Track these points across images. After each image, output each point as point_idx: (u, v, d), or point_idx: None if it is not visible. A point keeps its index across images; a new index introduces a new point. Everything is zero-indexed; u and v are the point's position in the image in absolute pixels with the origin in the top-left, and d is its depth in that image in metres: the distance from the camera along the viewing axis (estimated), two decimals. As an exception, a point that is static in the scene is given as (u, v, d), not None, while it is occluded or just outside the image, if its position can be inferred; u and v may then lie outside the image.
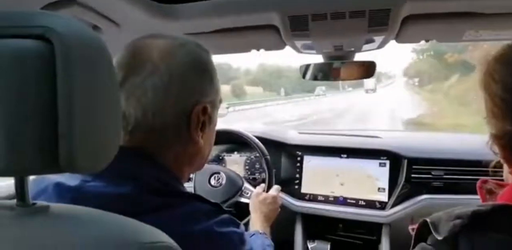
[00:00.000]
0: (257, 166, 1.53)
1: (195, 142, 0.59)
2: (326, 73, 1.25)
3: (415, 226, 0.52)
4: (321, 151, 1.47)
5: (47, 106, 0.32)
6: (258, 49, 1.13)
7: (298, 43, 1.03)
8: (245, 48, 1.13)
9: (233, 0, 0.81)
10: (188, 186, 1.29)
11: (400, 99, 25.16)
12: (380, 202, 1.35)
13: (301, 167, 1.47)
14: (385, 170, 1.36)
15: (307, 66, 1.26)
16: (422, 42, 1.03)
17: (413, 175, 1.34)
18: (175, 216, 0.50)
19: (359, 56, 1.22)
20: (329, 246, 1.30)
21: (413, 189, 1.33)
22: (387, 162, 1.37)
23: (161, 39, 0.57)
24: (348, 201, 1.39)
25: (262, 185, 1.21)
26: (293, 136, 1.58)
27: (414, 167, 1.34)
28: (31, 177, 0.42)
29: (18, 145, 0.32)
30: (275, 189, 1.15)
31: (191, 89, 0.56)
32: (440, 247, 0.44)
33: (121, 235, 0.36)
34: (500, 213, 0.42)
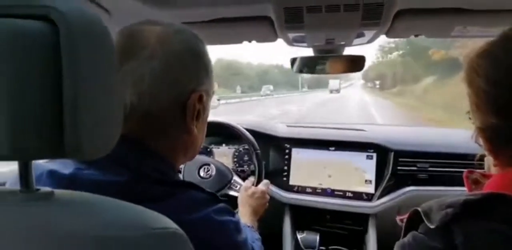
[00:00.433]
0: (246, 158, 1.53)
1: (190, 131, 0.58)
2: (316, 67, 1.26)
3: (404, 217, 0.53)
4: (309, 143, 1.49)
5: (52, 90, 0.31)
6: (250, 41, 1.13)
7: (291, 36, 1.04)
8: (237, 40, 1.13)
9: None
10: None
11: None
12: (367, 194, 1.38)
13: (289, 159, 1.48)
14: (372, 163, 1.39)
15: (295, 59, 1.27)
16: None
17: (399, 168, 1.37)
18: (175, 205, 0.50)
19: (346, 51, 1.23)
20: (318, 237, 1.32)
21: (399, 181, 1.36)
22: (374, 155, 1.39)
23: (158, 25, 0.56)
24: (336, 192, 1.41)
25: (251, 178, 1.20)
26: (281, 129, 1.58)
27: (400, 159, 1.37)
28: None
29: (22, 129, 0.31)
30: (264, 184, 1.15)
31: (189, 76, 0.56)
32: (432, 235, 0.45)
33: (130, 220, 0.36)
34: (491, 202, 0.44)
